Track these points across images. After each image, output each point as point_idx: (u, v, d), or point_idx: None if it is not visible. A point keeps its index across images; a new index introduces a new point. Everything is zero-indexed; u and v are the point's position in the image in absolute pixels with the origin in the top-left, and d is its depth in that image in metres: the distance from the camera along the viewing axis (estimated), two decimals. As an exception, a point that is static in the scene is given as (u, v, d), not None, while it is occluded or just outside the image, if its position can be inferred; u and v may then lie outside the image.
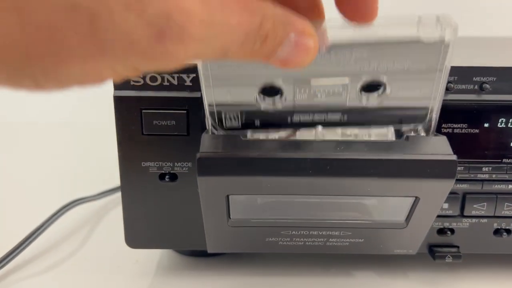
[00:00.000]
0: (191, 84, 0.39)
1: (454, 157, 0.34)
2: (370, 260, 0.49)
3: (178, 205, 0.42)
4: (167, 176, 0.41)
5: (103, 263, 0.49)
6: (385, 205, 0.39)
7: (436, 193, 0.36)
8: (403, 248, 0.41)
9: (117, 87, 0.40)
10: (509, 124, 0.41)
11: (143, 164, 0.41)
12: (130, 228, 0.43)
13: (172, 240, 0.44)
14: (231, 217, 0.39)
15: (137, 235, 0.44)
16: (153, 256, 0.50)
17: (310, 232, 0.40)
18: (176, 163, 0.41)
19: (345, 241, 0.41)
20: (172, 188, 0.42)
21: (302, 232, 0.40)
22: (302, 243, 0.41)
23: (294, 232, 0.40)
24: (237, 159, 0.34)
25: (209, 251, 0.42)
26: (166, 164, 0.41)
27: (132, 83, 0.39)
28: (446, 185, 0.35)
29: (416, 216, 0.38)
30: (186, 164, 0.41)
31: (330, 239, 0.41)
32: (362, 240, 0.41)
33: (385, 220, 0.39)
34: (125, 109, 0.40)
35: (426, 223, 0.39)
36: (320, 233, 0.40)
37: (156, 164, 0.41)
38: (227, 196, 0.36)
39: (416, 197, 0.36)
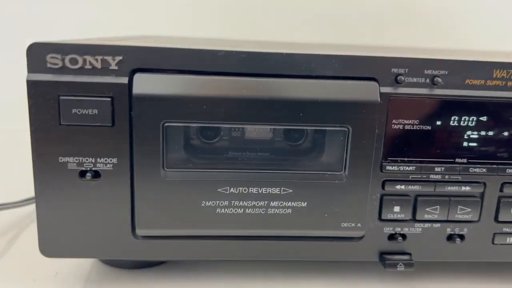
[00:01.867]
0: (116, 68, 0.35)
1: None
2: (320, 271, 0.45)
3: (101, 207, 0.37)
4: (88, 174, 0.36)
5: (16, 277, 0.42)
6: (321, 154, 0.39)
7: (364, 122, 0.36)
8: (350, 221, 0.38)
9: (31, 69, 0.35)
10: (462, 121, 0.38)
11: (61, 159, 0.36)
12: (45, 234, 0.38)
13: (95, 248, 0.38)
14: (165, 166, 0.36)
15: (53, 242, 0.38)
16: (77, 268, 0.44)
17: (249, 190, 0.37)
18: (99, 159, 0.36)
19: (287, 206, 0.38)
20: (94, 188, 0.37)
21: (240, 189, 0.37)
22: (242, 210, 0.38)
23: (232, 190, 0.37)
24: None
25: (138, 229, 0.38)
26: (87, 159, 0.36)
27: (48, 65, 0.34)
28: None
29: (352, 164, 0.37)
30: (111, 160, 0.36)
31: (271, 203, 0.38)
32: (305, 204, 0.38)
33: (324, 170, 0.38)
34: (40, 96, 0.35)
35: (365, 176, 0.38)
36: (260, 192, 0.37)
37: (76, 159, 0.36)
38: (163, 126, 0.35)
39: (347, 128, 0.36)
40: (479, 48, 0.77)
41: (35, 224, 0.49)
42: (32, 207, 0.54)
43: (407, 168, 0.38)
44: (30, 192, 0.53)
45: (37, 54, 0.34)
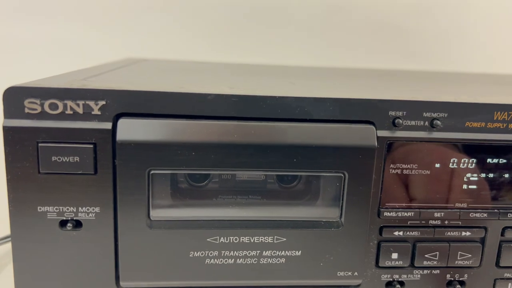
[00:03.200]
0: (99, 113, 0.33)
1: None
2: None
3: (83, 258, 0.35)
4: (69, 224, 0.34)
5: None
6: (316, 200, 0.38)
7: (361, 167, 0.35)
8: (346, 269, 0.37)
9: (7, 115, 0.32)
10: (462, 164, 0.37)
11: (40, 209, 0.34)
12: (23, 286, 0.35)
13: (77, 300, 0.36)
14: (151, 215, 0.34)
15: (31, 295, 0.36)
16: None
17: (241, 239, 0.35)
18: (80, 208, 0.34)
19: (280, 255, 0.36)
20: (75, 238, 0.34)
21: (231, 239, 0.35)
22: (233, 260, 0.36)
23: (222, 240, 0.35)
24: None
25: (122, 282, 0.35)
26: (68, 209, 0.34)
27: (26, 110, 0.32)
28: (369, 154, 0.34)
29: (348, 210, 0.35)
30: (93, 209, 0.34)
31: (264, 252, 0.36)
32: (300, 253, 0.36)
33: (319, 217, 0.37)
34: (17, 142, 0.33)
35: (362, 222, 0.36)
36: (252, 241, 0.35)
37: (56, 209, 0.34)
38: (149, 174, 0.33)
39: (343, 174, 0.35)
40: (478, 71, 0.76)
41: (8, 269, 0.47)
42: (8, 246, 0.51)
43: (405, 213, 0.37)
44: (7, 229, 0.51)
45: (14, 98, 0.32)
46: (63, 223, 0.34)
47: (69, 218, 0.34)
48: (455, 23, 0.79)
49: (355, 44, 0.78)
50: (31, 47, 0.75)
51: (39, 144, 0.33)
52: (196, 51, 0.77)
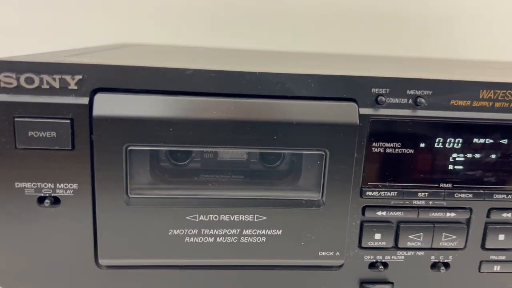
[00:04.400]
0: (76, 87, 0.32)
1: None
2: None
3: (61, 235, 0.35)
4: (47, 200, 0.34)
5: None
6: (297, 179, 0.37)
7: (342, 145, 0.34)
8: (328, 249, 0.36)
9: (-17, 89, 0.32)
10: (447, 144, 0.36)
11: (17, 185, 0.33)
12: (1, 263, 0.35)
13: (56, 279, 0.36)
14: (129, 192, 0.34)
15: (10, 272, 0.35)
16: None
17: (220, 217, 0.35)
18: (58, 184, 0.34)
19: (261, 233, 0.35)
20: (53, 215, 0.34)
21: (211, 217, 0.35)
22: (213, 239, 0.35)
23: (202, 218, 0.35)
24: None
25: (101, 259, 0.35)
26: (46, 185, 0.34)
27: (2, 84, 0.32)
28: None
29: (330, 189, 0.35)
30: (71, 186, 0.34)
31: (244, 231, 0.35)
32: (280, 232, 0.35)
33: (300, 196, 0.36)
34: (-6, 117, 0.32)
35: (343, 202, 0.35)
36: (232, 219, 0.35)
37: (34, 185, 0.34)
38: (126, 150, 0.33)
39: (324, 151, 0.34)
40: (468, 57, 0.75)
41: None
42: None
43: (388, 193, 0.36)
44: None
45: (-11, 72, 0.32)
46: (41, 200, 0.34)
47: (47, 195, 0.34)
48: (446, 10, 0.77)
49: (343, 31, 0.77)
50: (21, 33, 0.75)
51: (16, 119, 0.32)
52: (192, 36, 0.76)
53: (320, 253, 0.36)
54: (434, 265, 0.38)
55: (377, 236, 0.37)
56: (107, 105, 0.32)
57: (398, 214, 0.37)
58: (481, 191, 0.37)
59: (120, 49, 0.53)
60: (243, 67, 0.34)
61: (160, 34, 0.77)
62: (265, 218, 0.35)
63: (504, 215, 0.37)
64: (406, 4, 0.76)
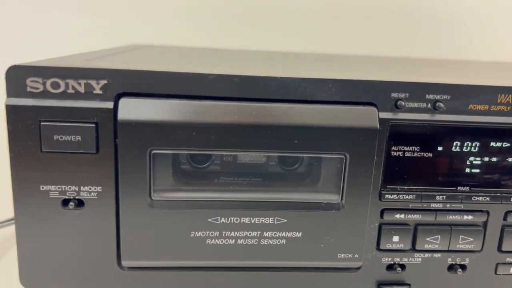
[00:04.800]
0: (101, 92, 0.33)
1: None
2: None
3: (85, 237, 0.35)
4: (71, 203, 0.34)
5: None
6: (317, 182, 0.38)
7: (362, 149, 0.34)
8: (347, 252, 0.37)
9: (10, 93, 0.33)
10: (464, 147, 0.36)
11: (42, 187, 0.34)
12: (26, 265, 0.36)
13: (79, 280, 0.36)
14: (152, 195, 0.34)
15: (35, 273, 0.36)
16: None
17: (241, 220, 0.35)
18: (82, 187, 0.34)
19: (281, 236, 0.36)
20: (78, 217, 0.35)
21: (232, 219, 0.35)
22: (234, 241, 0.36)
23: (223, 220, 0.35)
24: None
25: (124, 260, 0.36)
26: (70, 188, 0.34)
27: (28, 89, 0.32)
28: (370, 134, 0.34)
29: (349, 192, 0.35)
30: (95, 189, 0.34)
31: (265, 233, 0.36)
32: (300, 234, 0.36)
33: (320, 199, 0.36)
34: (20, 121, 0.33)
35: (362, 205, 0.36)
36: (253, 222, 0.35)
37: (58, 188, 0.34)
38: (150, 153, 0.33)
39: (344, 155, 0.35)
40: (484, 58, 0.75)
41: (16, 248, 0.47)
42: (11, 229, 0.52)
43: (407, 196, 0.37)
44: (9, 212, 0.51)
45: (16, 77, 0.32)
46: (65, 202, 0.35)
47: (71, 197, 0.34)
48: (460, 10, 0.78)
49: (357, 32, 0.78)
50: (35, 33, 0.76)
51: (41, 123, 0.33)
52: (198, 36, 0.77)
53: (339, 255, 0.37)
54: (451, 267, 0.39)
55: (395, 238, 0.37)
56: (132, 110, 0.33)
57: (416, 217, 0.37)
58: (498, 194, 0.37)
59: (134, 51, 0.53)
60: (264, 72, 0.35)
61: (168, 34, 0.77)
62: (285, 220, 0.36)
63: (521, 218, 0.38)
64: (420, 4, 0.76)
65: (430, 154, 0.36)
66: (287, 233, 0.36)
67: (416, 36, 0.78)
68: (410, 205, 0.37)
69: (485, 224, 0.38)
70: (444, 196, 0.37)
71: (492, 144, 0.37)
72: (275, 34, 0.77)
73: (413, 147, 0.36)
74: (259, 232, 0.36)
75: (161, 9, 0.76)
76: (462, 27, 0.78)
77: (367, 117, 0.34)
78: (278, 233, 0.36)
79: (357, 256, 0.37)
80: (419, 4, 0.77)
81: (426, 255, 0.38)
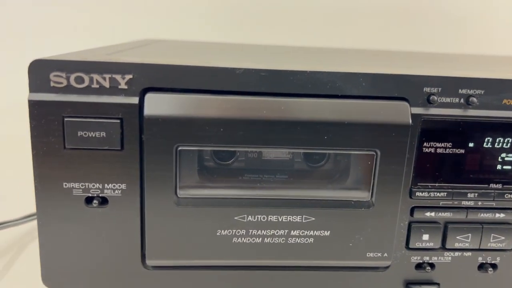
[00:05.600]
0: (126, 87, 0.32)
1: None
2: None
3: (109, 235, 0.34)
4: (95, 200, 0.34)
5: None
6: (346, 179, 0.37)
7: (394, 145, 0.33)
8: (376, 250, 0.36)
9: (33, 88, 0.32)
10: (497, 144, 0.35)
11: (65, 185, 0.33)
12: (48, 263, 0.35)
13: (103, 279, 0.36)
14: (178, 193, 0.34)
15: (57, 272, 0.35)
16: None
17: (269, 218, 0.34)
18: (106, 185, 0.33)
19: (309, 234, 0.35)
20: (101, 215, 0.34)
21: (259, 218, 0.34)
22: (260, 240, 0.35)
23: (250, 219, 0.34)
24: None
25: (148, 259, 0.35)
26: (94, 185, 0.33)
27: (52, 84, 0.32)
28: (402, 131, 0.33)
29: (380, 190, 0.34)
30: (119, 186, 0.34)
31: (292, 232, 0.35)
32: (328, 233, 0.35)
33: (349, 197, 0.35)
34: (43, 117, 0.32)
35: (393, 202, 0.35)
36: (280, 220, 0.35)
37: (82, 185, 0.33)
38: (177, 150, 0.32)
39: (375, 152, 0.33)
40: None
41: (36, 243, 0.47)
42: (31, 224, 0.51)
43: (437, 194, 0.36)
44: (30, 208, 0.50)
45: (39, 72, 0.31)
46: (88, 200, 0.34)
47: (95, 195, 0.34)
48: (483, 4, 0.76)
49: (379, 28, 0.77)
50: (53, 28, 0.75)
51: (65, 119, 0.32)
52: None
53: (368, 254, 0.36)
54: (482, 266, 0.38)
55: (425, 237, 0.36)
56: (158, 105, 0.32)
57: (447, 215, 0.36)
58: (531, 191, 0.36)
59: (151, 46, 0.52)
60: (291, 66, 0.34)
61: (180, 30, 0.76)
62: (314, 219, 0.35)
63: (554, 216, 0.37)
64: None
65: (462, 151, 0.35)
66: (315, 231, 0.35)
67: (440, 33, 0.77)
68: (440, 203, 0.36)
69: (517, 222, 0.37)
70: (476, 194, 0.36)
71: (526, 140, 0.36)
72: (295, 30, 0.76)
73: (445, 143, 0.35)
74: (286, 231, 0.35)
75: (169, 5, 0.75)
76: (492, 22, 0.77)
77: (398, 112, 0.33)
78: (306, 232, 0.35)
79: (386, 255, 0.36)
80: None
81: (456, 254, 0.37)
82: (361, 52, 0.61)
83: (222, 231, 0.35)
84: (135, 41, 0.61)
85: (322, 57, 0.49)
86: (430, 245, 0.37)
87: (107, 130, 0.32)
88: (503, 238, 0.37)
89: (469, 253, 0.37)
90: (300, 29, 0.76)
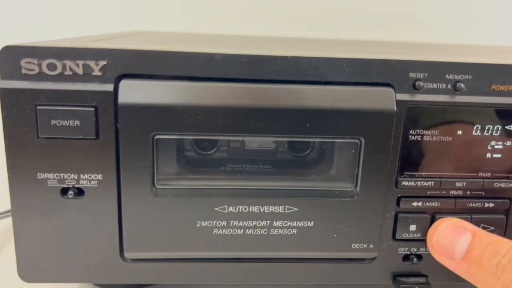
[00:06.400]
0: (100, 73, 0.31)
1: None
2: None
3: (86, 227, 0.33)
4: (70, 191, 0.33)
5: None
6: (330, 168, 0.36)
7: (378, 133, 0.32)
8: (361, 242, 0.35)
9: (4, 76, 0.31)
10: (486, 131, 0.34)
11: (40, 175, 0.32)
12: (24, 258, 0.34)
13: (80, 272, 0.35)
14: (156, 183, 0.33)
15: (33, 266, 0.34)
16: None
17: (250, 209, 0.33)
18: (82, 175, 0.32)
19: (292, 225, 0.34)
20: (77, 206, 0.33)
21: (240, 208, 0.33)
22: (242, 231, 0.34)
23: (231, 209, 0.33)
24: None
25: (127, 252, 0.34)
26: (69, 176, 0.32)
27: (23, 71, 0.30)
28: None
29: (364, 179, 0.33)
30: (95, 176, 0.32)
31: (275, 223, 0.34)
32: (312, 223, 0.34)
33: (333, 186, 0.35)
34: (15, 105, 0.31)
35: (378, 192, 0.34)
36: (262, 211, 0.33)
37: (57, 176, 0.32)
38: (153, 139, 0.31)
39: (359, 140, 0.33)
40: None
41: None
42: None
43: (424, 183, 0.35)
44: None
45: (10, 58, 0.30)
46: (64, 191, 0.33)
47: (71, 186, 0.33)
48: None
49: (367, 18, 0.75)
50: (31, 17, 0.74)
51: (38, 107, 0.31)
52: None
53: (353, 246, 0.35)
54: (471, 257, 0.37)
55: (412, 227, 0.35)
56: (133, 92, 0.31)
57: (435, 204, 0.35)
58: (522, 180, 0.35)
59: (139, 35, 0.51)
60: (273, 52, 0.33)
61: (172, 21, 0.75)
62: (296, 209, 0.34)
63: (545, 205, 0.36)
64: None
65: (449, 138, 0.34)
66: (298, 222, 0.34)
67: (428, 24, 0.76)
68: (428, 192, 0.35)
69: (507, 212, 0.36)
70: (464, 183, 0.35)
71: (515, 127, 0.35)
72: (279, 21, 0.75)
73: (432, 131, 0.34)
74: (268, 222, 0.34)
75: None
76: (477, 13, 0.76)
77: (383, 98, 0.32)
78: (288, 223, 0.34)
79: (372, 246, 0.35)
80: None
81: (445, 244, 0.36)
82: (346, 41, 0.59)
83: (202, 222, 0.34)
84: (122, 32, 0.60)
85: (307, 45, 0.48)
86: (418, 236, 0.36)
87: (81, 118, 0.31)
88: (493, 228, 0.36)
89: (457, 244, 0.36)
90: (287, 20, 0.75)
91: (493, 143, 0.35)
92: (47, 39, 0.39)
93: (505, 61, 0.33)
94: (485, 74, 0.33)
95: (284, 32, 0.75)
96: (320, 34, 0.75)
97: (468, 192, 0.35)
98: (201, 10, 0.75)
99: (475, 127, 0.34)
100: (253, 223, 0.34)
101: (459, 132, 0.34)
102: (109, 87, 0.31)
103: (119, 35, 0.50)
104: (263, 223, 0.34)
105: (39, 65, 0.30)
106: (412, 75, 0.33)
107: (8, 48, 0.30)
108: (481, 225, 0.36)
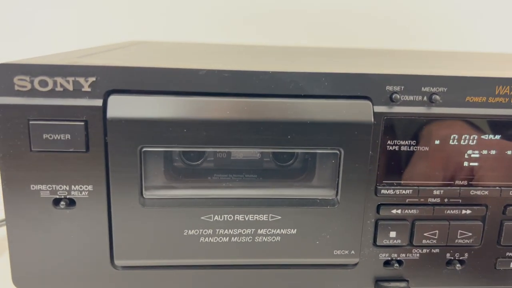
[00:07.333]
0: (89, 89, 0.32)
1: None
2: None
3: (77, 236, 0.35)
4: (62, 202, 0.34)
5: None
6: (312, 178, 0.37)
7: (357, 144, 0.34)
8: (343, 248, 0.36)
9: (-3, 92, 0.32)
10: (463, 141, 0.36)
11: (33, 187, 0.34)
12: (18, 266, 0.36)
13: (72, 279, 0.36)
14: (144, 193, 0.34)
15: (27, 274, 0.36)
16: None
17: (235, 217, 0.35)
18: (73, 186, 0.34)
19: (275, 233, 0.35)
20: (69, 216, 0.34)
21: (225, 217, 0.35)
22: (227, 239, 0.35)
23: (216, 218, 0.35)
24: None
25: (117, 260, 0.35)
26: (61, 187, 0.34)
27: (16, 88, 0.32)
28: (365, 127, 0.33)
29: (345, 188, 0.35)
30: (86, 187, 0.34)
31: (259, 230, 0.35)
32: (295, 231, 0.35)
33: (315, 195, 0.36)
34: (8, 120, 0.32)
35: (358, 200, 0.35)
36: (246, 219, 0.35)
37: (49, 187, 0.34)
38: (141, 151, 0.33)
39: (338, 150, 0.34)
40: (480, 50, 0.74)
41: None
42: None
43: (403, 191, 0.36)
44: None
45: (3, 76, 0.32)
46: (56, 202, 0.34)
47: (63, 197, 0.34)
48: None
49: (350, 25, 0.77)
50: (31, 31, 0.75)
51: (30, 122, 0.32)
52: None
53: (335, 252, 0.36)
54: (450, 263, 0.38)
55: (392, 234, 0.37)
56: (121, 107, 0.32)
57: (413, 212, 0.36)
58: (497, 188, 0.37)
59: (129, 48, 0.53)
60: (255, 66, 0.34)
61: (168, 30, 0.77)
62: (280, 217, 0.35)
63: (521, 211, 0.37)
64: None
65: (426, 148, 0.35)
66: (281, 230, 0.36)
67: (409, 29, 0.77)
68: (407, 200, 0.36)
69: (484, 218, 0.37)
70: (442, 191, 0.36)
71: (490, 136, 0.36)
72: (268, 28, 0.76)
73: (409, 141, 0.35)
74: (253, 230, 0.35)
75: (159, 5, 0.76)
76: (456, 19, 0.77)
77: (361, 111, 0.34)
78: (272, 230, 0.36)
79: (354, 252, 0.37)
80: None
81: (424, 250, 0.38)
82: (326, 50, 0.61)
83: (189, 231, 0.35)
84: (116, 43, 0.62)
85: (289, 57, 0.49)
86: (398, 242, 0.37)
87: (72, 132, 0.33)
88: (470, 234, 0.37)
89: (437, 250, 0.38)
90: (274, 27, 0.77)
91: (469, 152, 0.36)
92: (40, 49, 0.40)
93: (478, 73, 0.35)
94: (459, 87, 0.34)
95: (267, 41, 0.76)
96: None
97: (446, 200, 0.37)
98: (193, 22, 0.76)
99: (451, 137, 0.36)
100: (238, 231, 0.35)
101: (436, 142, 0.35)
102: (98, 102, 0.32)
103: (110, 47, 0.51)
104: (248, 231, 0.35)
105: (31, 82, 0.32)
106: (389, 88, 0.34)
107: (1, 66, 0.32)
108: (459, 231, 0.37)
